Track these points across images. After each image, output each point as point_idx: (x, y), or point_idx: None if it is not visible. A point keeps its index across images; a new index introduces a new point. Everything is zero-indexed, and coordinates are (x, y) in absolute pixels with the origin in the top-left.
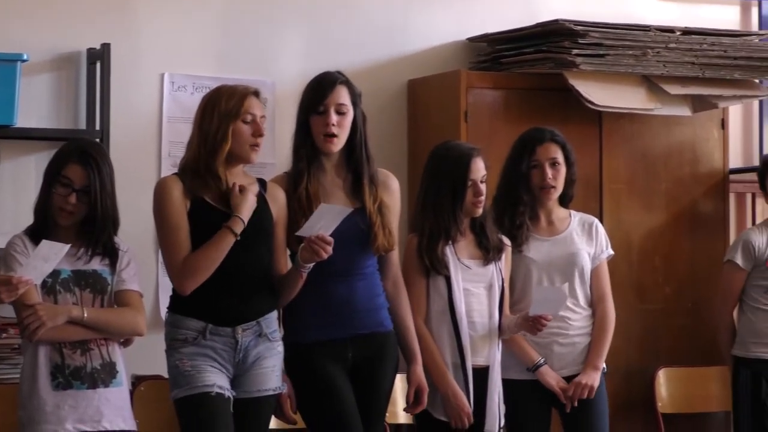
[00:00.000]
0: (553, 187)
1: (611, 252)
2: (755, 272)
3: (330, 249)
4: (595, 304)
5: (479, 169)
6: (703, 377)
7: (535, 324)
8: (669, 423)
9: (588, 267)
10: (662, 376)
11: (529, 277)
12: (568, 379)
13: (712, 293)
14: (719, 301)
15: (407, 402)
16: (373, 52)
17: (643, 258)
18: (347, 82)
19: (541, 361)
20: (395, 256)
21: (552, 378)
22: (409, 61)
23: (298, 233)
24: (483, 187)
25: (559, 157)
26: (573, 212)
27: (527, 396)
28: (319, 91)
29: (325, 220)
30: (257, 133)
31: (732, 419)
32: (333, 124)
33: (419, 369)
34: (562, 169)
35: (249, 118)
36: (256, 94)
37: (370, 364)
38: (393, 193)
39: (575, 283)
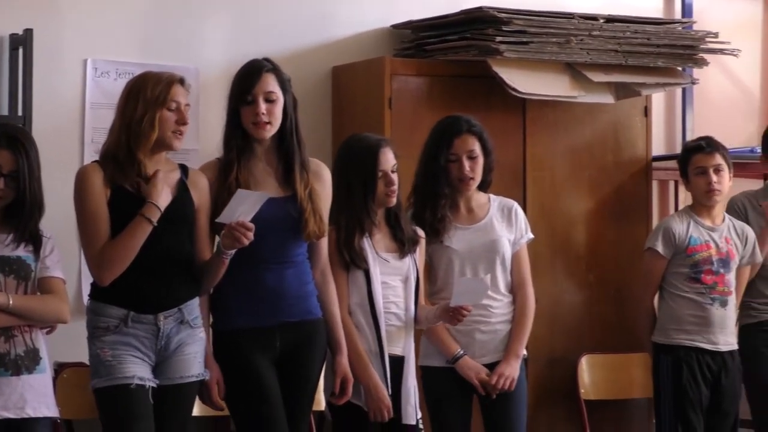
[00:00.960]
0: (472, 178)
1: (531, 236)
2: (676, 259)
3: (251, 235)
4: (515, 289)
5: (389, 159)
6: (626, 364)
7: (455, 315)
8: (592, 409)
9: (509, 253)
10: (585, 363)
11: (451, 267)
12: (491, 366)
13: (635, 280)
14: (640, 288)
15: (333, 393)
16: (298, 38)
17: (566, 245)
18: (275, 69)
19: (460, 352)
20: (325, 245)
21: (471, 370)
22: (333, 47)
23: (217, 220)
24: (394, 176)
25: (477, 148)
26: (492, 196)
27: (449, 383)
28: (246, 81)
29: (244, 206)
30: (181, 120)
31: (653, 405)
32: (262, 113)
33: (344, 360)
34: (480, 160)
35: (174, 105)
36: (182, 81)
37: (298, 352)
38: (325, 182)
39: (497, 271)
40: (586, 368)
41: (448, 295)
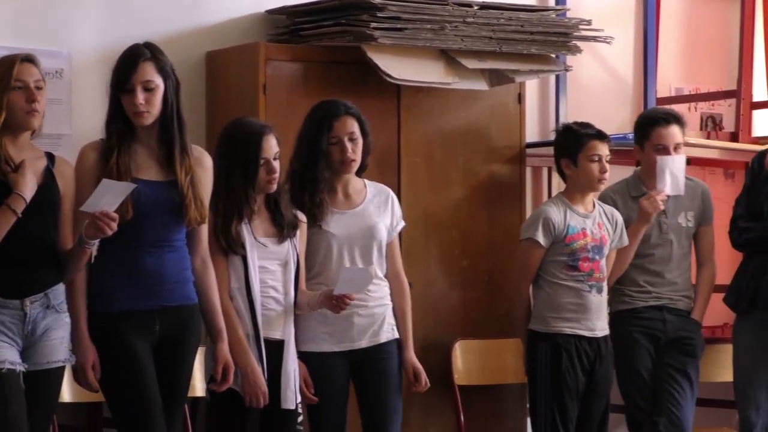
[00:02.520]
0: (354, 160)
1: (403, 223)
2: (554, 248)
3: (114, 225)
4: (391, 278)
5: (272, 146)
6: (499, 349)
7: (338, 303)
8: (465, 395)
9: (385, 239)
10: (459, 349)
11: (329, 252)
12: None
13: (509, 266)
14: (516, 277)
15: (215, 380)
16: (171, 23)
17: (440, 231)
18: (154, 57)
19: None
20: (205, 231)
21: (300, 373)
22: (207, 32)
23: (81, 209)
24: (276, 164)
25: (356, 130)
26: (367, 182)
27: (331, 367)
28: (124, 70)
29: (109, 196)
30: (30, 98)
31: (528, 393)
32: (140, 103)
33: (225, 347)
34: (360, 142)
35: (20, 84)
36: (28, 59)
37: (176, 337)
38: (206, 170)
39: (374, 256)
40: (460, 354)
41: (325, 280)
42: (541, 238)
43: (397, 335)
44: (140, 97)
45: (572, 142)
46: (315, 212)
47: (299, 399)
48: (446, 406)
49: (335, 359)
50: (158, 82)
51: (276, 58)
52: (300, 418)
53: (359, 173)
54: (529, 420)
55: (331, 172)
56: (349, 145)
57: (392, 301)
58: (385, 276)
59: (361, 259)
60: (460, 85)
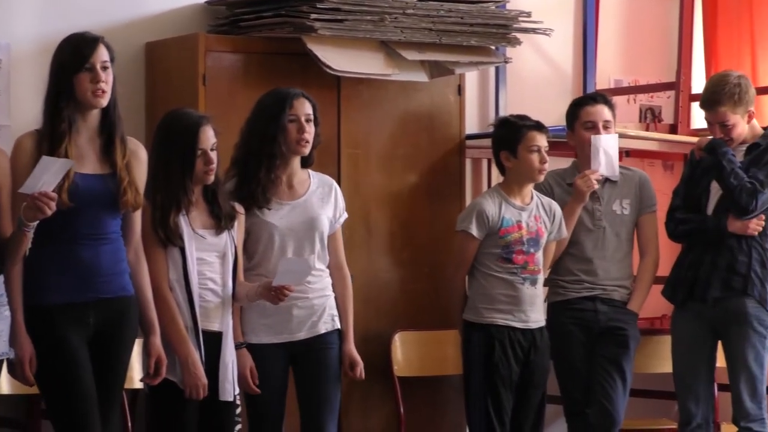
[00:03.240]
0: (308, 142)
1: (346, 215)
2: (488, 240)
3: (54, 205)
4: (333, 269)
5: (209, 137)
6: (439, 341)
7: (277, 294)
8: (405, 386)
9: (327, 230)
10: (399, 340)
11: (271, 242)
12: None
13: (449, 258)
14: (452, 268)
15: (147, 373)
16: (110, 13)
17: (380, 223)
18: (105, 41)
19: (242, 343)
20: (138, 222)
21: (247, 363)
22: (146, 23)
23: (20, 190)
24: (214, 155)
25: (311, 114)
26: (311, 173)
27: (269, 359)
28: (82, 49)
29: (47, 175)
30: None
31: (463, 383)
32: (103, 81)
33: (157, 340)
34: (313, 127)
35: None
36: None
37: (111, 329)
38: (141, 162)
39: (316, 247)
40: (400, 345)
41: (265, 271)
42: (474, 230)
43: (338, 326)
44: (102, 75)
45: (511, 134)
46: (259, 202)
47: (237, 390)
48: (386, 397)
49: (274, 351)
50: (110, 67)
51: (216, 49)
52: (238, 410)
53: (305, 165)
54: None
55: (284, 155)
56: (306, 125)
57: (334, 292)
58: (327, 267)
59: (303, 251)
60: (400, 76)
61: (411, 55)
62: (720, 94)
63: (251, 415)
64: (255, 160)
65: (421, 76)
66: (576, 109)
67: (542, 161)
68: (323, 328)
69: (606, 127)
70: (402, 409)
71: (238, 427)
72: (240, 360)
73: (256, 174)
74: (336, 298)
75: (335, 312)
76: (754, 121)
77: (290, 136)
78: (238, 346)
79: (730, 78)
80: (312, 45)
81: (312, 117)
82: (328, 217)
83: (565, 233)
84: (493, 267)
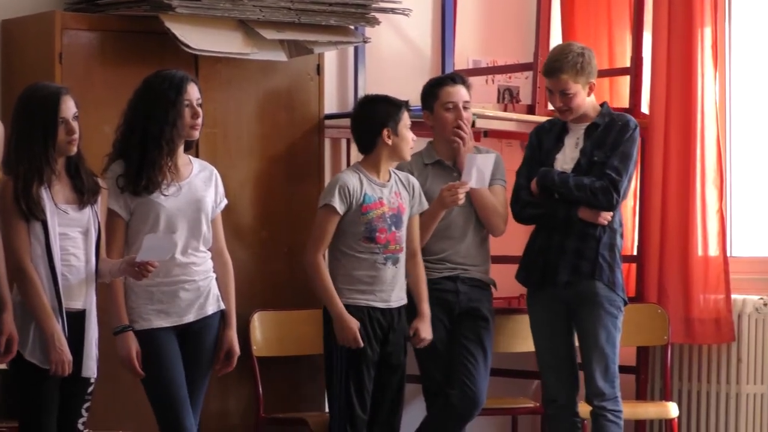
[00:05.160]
0: (200, 126)
1: (226, 201)
2: (350, 218)
3: None
4: (214, 255)
5: (70, 107)
6: (298, 321)
7: (141, 270)
8: (264, 366)
9: (211, 213)
10: (257, 320)
11: (157, 223)
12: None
13: (307, 237)
14: (310, 245)
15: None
16: None
17: (239, 203)
18: None
19: (128, 327)
20: None
21: (130, 346)
22: (2, 0)
23: None
24: (75, 125)
25: (200, 98)
26: (191, 158)
27: (162, 342)
28: None
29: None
30: None
31: (324, 363)
32: None
33: (9, 317)
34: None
35: None
36: None
37: None
38: None
39: (202, 229)
40: (258, 325)
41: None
42: (337, 204)
43: (222, 306)
44: None
45: (393, 111)
46: (147, 183)
47: (95, 372)
48: (245, 377)
49: (166, 334)
50: None
51: (72, 27)
52: (91, 388)
53: (188, 150)
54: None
55: (173, 140)
56: (199, 110)
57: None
58: (209, 251)
59: (188, 232)
60: (259, 55)
61: (270, 35)
62: (562, 62)
63: (154, 398)
64: (153, 144)
65: (279, 56)
66: (435, 90)
67: (413, 138)
68: (210, 309)
69: (465, 108)
70: (261, 389)
71: (88, 404)
72: (125, 343)
73: (153, 158)
74: (220, 276)
75: (218, 293)
76: (593, 97)
77: (185, 121)
78: (122, 329)
79: (574, 47)
80: (170, 23)
81: (201, 101)
82: (211, 200)
83: (426, 205)
84: (355, 247)
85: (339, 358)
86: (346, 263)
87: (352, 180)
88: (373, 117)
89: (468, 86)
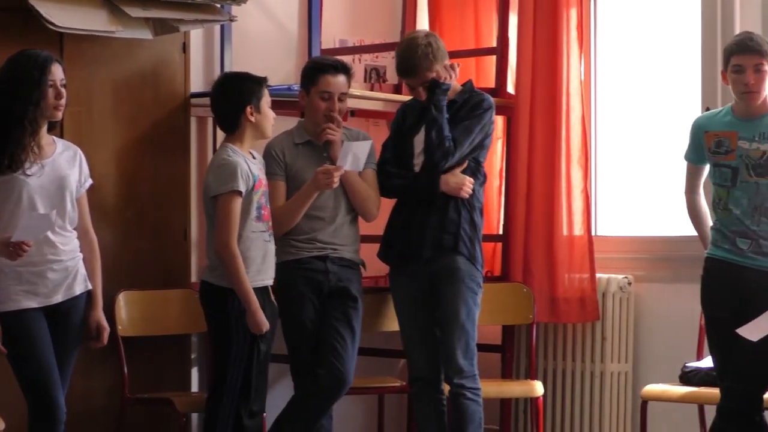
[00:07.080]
0: (63, 106)
1: (91, 181)
2: (246, 200)
3: None
4: (80, 235)
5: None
6: (163, 300)
7: (15, 250)
8: (129, 346)
9: (75, 191)
10: (122, 300)
11: (19, 201)
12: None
13: (175, 217)
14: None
15: None
16: None
17: (104, 182)
18: None
19: None
20: None
21: None
22: None
23: None
24: (63, 91)
25: (64, 78)
26: (55, 138)
27: (31, 322)
28: None
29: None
30: None
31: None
32: None
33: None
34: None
35: None
36: None
37: None
38: None
39: (66, 208)
40: (124, 305)
41: (14, 230)
42: (242, 187)
43: (90, 286)
44: None
45: (255, 89)
46: (12, 160)
47: None
48: (109, 357)
49: (34, 314)
50: None
51: None
52: None
53: (51, 130)
54: (194, 370)
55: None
56: (63, 90)
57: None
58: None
59: (53, 210)
60: (124, 33)
61: (135, 12)
62: (415, 59)
63: (25, 380)
64: (16, 123)
65: (145, 34)
66: (316, 75)
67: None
68: (78, 289)
69: (341, 100)
70: (126, 369)
71: None
72: None
73: (16, 137)
74: (87, 257)
75: (85, 273)
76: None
77: (48, 102)
78: None
79: (419, 40)
80: (33, 1)
81: (65, 82)
82: (75, 179)
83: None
84: (251, 228)
85: (240, 343)
86: (242, 246)
87: (241, 161)
88: (235, 94)
89: (350, 75)
